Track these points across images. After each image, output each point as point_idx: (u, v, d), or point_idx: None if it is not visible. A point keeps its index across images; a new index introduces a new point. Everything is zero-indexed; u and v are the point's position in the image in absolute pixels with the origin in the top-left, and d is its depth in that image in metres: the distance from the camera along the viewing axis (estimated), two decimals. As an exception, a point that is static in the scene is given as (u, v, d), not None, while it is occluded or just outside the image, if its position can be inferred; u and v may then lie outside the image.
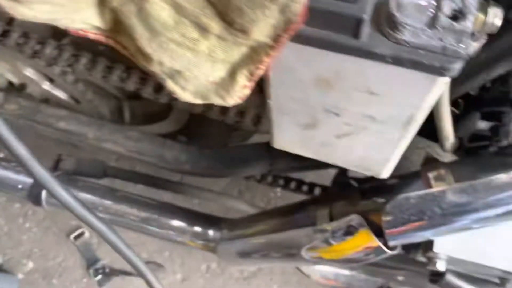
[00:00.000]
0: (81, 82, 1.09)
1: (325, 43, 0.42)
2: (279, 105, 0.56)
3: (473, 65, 0.67)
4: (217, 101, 0.48)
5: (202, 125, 1.22)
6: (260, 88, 1.00)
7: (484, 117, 0.81)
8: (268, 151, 1.04)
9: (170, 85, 0.48)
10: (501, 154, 0.71)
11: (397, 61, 0.40)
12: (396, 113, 0.49)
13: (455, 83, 0.70)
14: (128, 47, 0.48)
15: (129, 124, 1.34)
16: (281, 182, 1.26)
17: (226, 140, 1.21)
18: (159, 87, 0.92)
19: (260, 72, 0.45)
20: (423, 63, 0.40)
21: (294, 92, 0.52)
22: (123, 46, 0.48)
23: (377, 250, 0.75)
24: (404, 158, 0.82)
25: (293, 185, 1.25)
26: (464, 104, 0.78)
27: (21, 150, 0.52)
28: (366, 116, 0.51)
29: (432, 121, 0.81)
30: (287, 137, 0.65)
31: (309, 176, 1.32)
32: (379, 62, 0.41)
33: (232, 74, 0.46)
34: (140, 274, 0.75)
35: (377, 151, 0.59)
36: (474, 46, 0.41)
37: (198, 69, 0.46)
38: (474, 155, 0.75)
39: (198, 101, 0.49)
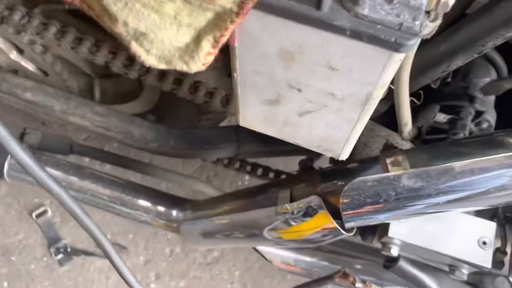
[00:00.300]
0: (50, 54, 1.07)
1: (289, 13, 0.43)
2: (244, 79, 0.57)
3: (434, 56, 0.70)
4: (181, 66, 0.49)
5: (172, 107, 1.22)
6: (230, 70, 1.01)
7: (443, 110, 0.84)
8: (236, 134, 1.05)
9: (135, 47, 0.49)
10: (455, 145, 0.73)
11: (356, 35, 0.42)
12: (355, 90, 0.50)
13: (417, 73, 0.73)
14: (93, 7, 0.48)
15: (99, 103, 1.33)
16: (248, 168, 1.28)
17: (196, 123, 1.21)
18: (129, 62, 0.91)
19: (224, 39, 0.46)
20: (380, 38, 0.41)
21: (259, 65, 0.53)
22: (88, 6, 0.48)
23: (334, 232, 0.77)
24: (366, 145, 0.85)
25: (259, 171, 1.27)
26: (424, 96, 0.80)
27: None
28: (326, 93, 0.53)
29: (393, 113, 0.84)
30: (252, 114, 0.66)
31: (279, 165, 1.34)
32: (339, 35, 0.43)
33: (197, 40, 0.47)
34: (99, 245, 0.75)
35: (337, 130, 0.60)
36: (430, 26, 0.43)
37: (163, 32, 0.46)
38: (431, 144, 0.78)
39: (162, 65, 0.50)
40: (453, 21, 0.70)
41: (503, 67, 0.84)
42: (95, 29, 0.98)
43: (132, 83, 1.37)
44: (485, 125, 0.84)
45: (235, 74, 0.57)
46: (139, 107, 1.29)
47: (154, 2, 0.44)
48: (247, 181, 1.66)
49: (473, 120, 0.83)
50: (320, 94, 0.53)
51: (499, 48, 0.83)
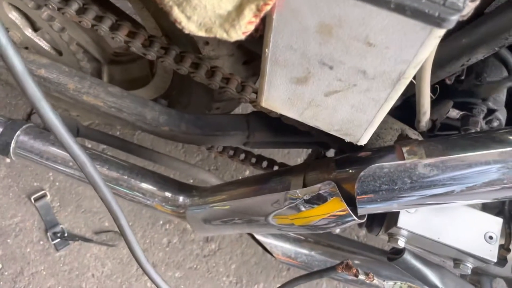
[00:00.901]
0: (67, 32, 1.07)
1: (334, -16, 0.44)
2: (276, 55, 0.58)
3: (455, 49, 0.72)
4: (221, 34, 0.50)
5: (182, 95, 1.23)
6: (248, 58, 1.02)
7: (456, 106, 0.86)
8: (247, 123, 1.06)
9: (176, 13, 0.49)
10: (471, 137, 0.75)
11: (399, 8, 0.43)
12: (388, 69, 0.52)
13: (436, 66, 0.75)
14: (140, -30, 0.49)
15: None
16: (253, 160, 1.28)
17: (206, 111, 1.21)
18: (148, 43, 0.92)
19: (268, 8, 0.47)
20: (424, 12, 0.43)
21: (294, 39, 0.54)
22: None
23: (345, 218, 0.77)
24: (379, 136, 0.87)
25: (264, 164, 1.28)
26: (439, 91, 0.82)
27: (18, 64, 0.52)
28: (358, 71, 0.54)
29: (407, 107, 0.86)
30: (276, 94, 0.66)
31: (281, 160, 1.34)
32: (382, 8, 0.44)
33: (239, 8, 0.48)
34: (116, 220, 0.76)
35: (362, 112, 0.61)
36: (469, 6, 0.44)
37: (207, -2, 0.47)
38: (445, 136, 0.79)
39: (201, 33, 0.51)
40: (471, 20, 0.72)
41: (515, 68, 0.87)
42: (113, 12, 0.99)
43: (140, 71, 1.37)
44: (495, 123, 0.86)
45: (266, 50, 0.58)
46: (149, 93, 1.29)
47: (204, -35, 0.45)
48: (247, 175, 1.67)
49: (484, 118, 0.86)
50: (351, 72, 0.55)
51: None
